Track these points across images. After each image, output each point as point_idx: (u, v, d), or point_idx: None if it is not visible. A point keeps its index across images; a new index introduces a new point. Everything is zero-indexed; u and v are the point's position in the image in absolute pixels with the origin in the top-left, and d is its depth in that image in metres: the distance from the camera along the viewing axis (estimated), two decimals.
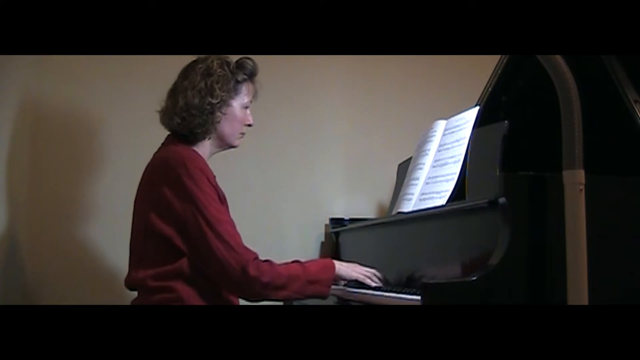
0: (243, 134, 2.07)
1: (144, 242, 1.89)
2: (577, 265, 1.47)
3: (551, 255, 1.57)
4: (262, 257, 1.90)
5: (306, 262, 1.98)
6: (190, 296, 1.85)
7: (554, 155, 1.58)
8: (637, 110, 1.85)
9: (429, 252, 1.93)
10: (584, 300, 1.46)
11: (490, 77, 2.32)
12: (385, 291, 1.93)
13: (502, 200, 1.60)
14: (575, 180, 1.50)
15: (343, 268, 2.02)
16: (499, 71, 2.28)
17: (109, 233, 2.55)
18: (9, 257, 2.25)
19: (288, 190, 2.83)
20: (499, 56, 2.28)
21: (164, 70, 2.62)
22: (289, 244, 2.77)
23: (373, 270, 2.09)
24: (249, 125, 2.07)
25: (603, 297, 1.51)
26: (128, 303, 1.98)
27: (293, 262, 1.96)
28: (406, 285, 1.98)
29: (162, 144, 2.02)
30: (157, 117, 2.51)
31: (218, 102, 1.95)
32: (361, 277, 2.04)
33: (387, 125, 2.95)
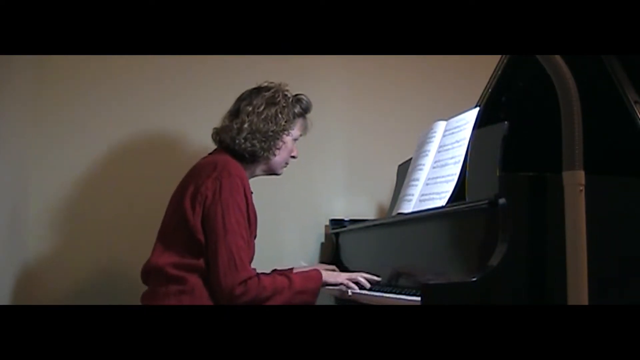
0: (287, 164, 2.19)
1: (174, 230, 1.96)
2: (577, 265, 1.47)
3: (551, 256, 1.57)
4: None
5: (292, 274, 2.03)
6: (202, 291, 1.90)
7: (554, 156, 1.58)
8: (637, 111, 1.85)
9: (429, 253, 1.93)
10: (584, 300, 1.46)
11: (490, 78, 2.32)
12: (386, 292, 1.93)
13: (502, 200, 1.60)
14: (575, 181, 1.50)
15: (329, 275, 2.09)
16: (499, 72, 2.28)
17: (110, 232, 2.55)
18: (11, 256, 2.25)
19: (288, 191, 2.82)
20: (499, 56, 2.28)
21: (164, 70, 2.65)
22: (289, 245, 2.77)
23: (361, 274, 2.11)
24: (294, 157, 2.19)
25: (603, 297, 1.51)
26: (129, 303, 1.98)
27: (280, 273, 2.02)
28: (406, 285, 1.97)
29: (211, 154, 2.11)
30: (156, 116, 2.52)
31: (280, 130, 2.08)
32: (346, 282, 2.08)
33: (387, 126, 2.95)
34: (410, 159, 2.38)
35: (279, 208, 2.80)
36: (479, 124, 2.01)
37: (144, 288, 2.01)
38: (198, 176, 1.98)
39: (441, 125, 2.22)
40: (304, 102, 2.18)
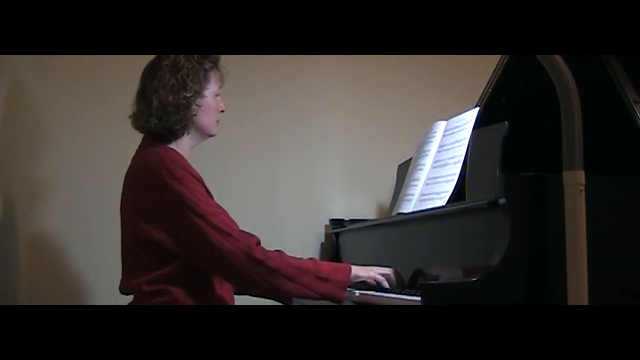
0: (218, 121, 2.04)
1: (135, 249, 1.88)
2: (577, 265, 1.47)
3: (551, 256, 1.57)
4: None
5: (320, 261, 1.96)
6: (184, 298, 1.83)
7: (554, 156, 1.58)
8: (637, 111, 1.85)
9: (429, 253, 1.93)
10: (584, 300, 1.46)
11: (490, 78, 2.32)
12: (386, 291, 1.93)
13: (502, 200, 1.60)
14: (575, 180, 1.50)
15: (360, 269, 1.97)
16: (499, 72, 2.28)
17: (108, 231, 2.54)
18: (5, 253, 2.25)
19: (288, 191, 2.83)
20: (499, 56, 2.28)
21: None
22: (288, 245, 2.72)
23: (390, 271, 2.02)
24: (222, 111, 2.04)
25: (603, 297, 1.51)
26: (126, 303, 1.98)
27: (308, 259, 1.93)
28: (406, 285, 1.97)
29: (140, 147, 1.99)
30: None
31: (192, 95, 1.93)
32: (379, 278, 1.98)
33: (387, 126, 2.95)
34: (410, 159, 2.38)
35: (279, 208, 2.80)
36: (479, 124, 2.01)
37: None
38: (138, 188, 1.88)
39: (441, 125, 2.22)
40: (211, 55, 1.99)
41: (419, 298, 1.57)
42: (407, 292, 1.80)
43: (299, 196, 2.84)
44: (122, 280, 1.93)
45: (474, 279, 1.54)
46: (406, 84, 3.00)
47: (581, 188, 1.50)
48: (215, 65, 2.01)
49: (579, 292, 1.47)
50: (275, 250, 1.86)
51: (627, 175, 1.69)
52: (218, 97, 2.03)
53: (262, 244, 1.87)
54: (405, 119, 2.94)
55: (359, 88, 2.96)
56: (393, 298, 1.81)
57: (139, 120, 1.95)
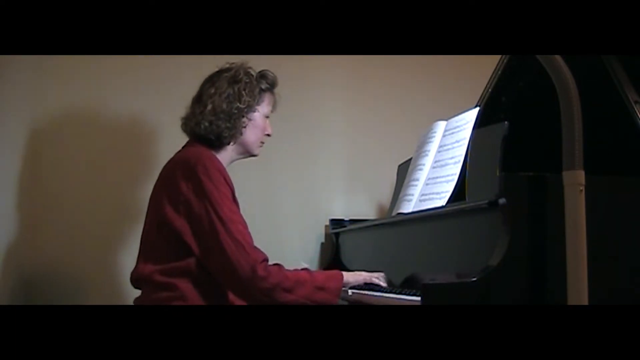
0: (263, 143, 2.14)
1: (156, 235, 1.92)
2: (577, 265, 1.47)
3: (551, 256, 1.57)
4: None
5: (313, 271, 2.02)
6: (193, 296, 1.86)
7: (554, 156, 1.58)
8: (637, 111, 1.85)
9: (429, 253, 1.93)
10: (584, 300, 1.46)
11: (490, 78, 2.32)
12: (385, 292, 1.93)
13: (502, 200, 1.61)
14: (575, 180, 1.50)
15: (350, 275, 2.06)
16: (499, 72, 2.28)
17: (110, 232, 2.55)
18: (9, 256, 2.25)
19: (288, 191, 2.83)
20: (499, 56, 2.28)
21: (163, 70, 2.64)
22: (289, 245, 2.77)
23: (378, 275, 2.10)
24: (268, 135, 2.13)
25: (603, 297, 1.51)
26: (129, 302, 1.98)
27: (302, 269, 1.99)
28: (406, 286, 1.98)
29: (183, 147, 2.06)
30: (156, 116, 2.51)
31: (245, 107, 2.03)
32: (368, 280, 2.07)
33: (387, 125, 2.95)
34: (410, 159, 2.38)
35: (279, 208, 2.80)
36: (479, 124, 2.01)
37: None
38: (173, 177, 1.92)
39: (441, 125, 2.22)
40: (269, 76, 2.11)
41: (419, 298, 1.57)
42: (407, 292, 1.80)
43: (299, 196, 2.84)
44: (135, 267, 1.96)
45: (474, 279, 1.54)
46: (406, 84, 3.00)
47: (581, 188, 1.50)
48: (271, 88, 2.12)
49: (579, 292, 1.47)
50: (275, 264, 1.90)
51: (627, 175, 1.69)
52: (267, 120, 2.12)
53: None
54: (405, 119, 2.94)
55: (358, 88, 2.96)
56: (393, 298, 1.81)
57: (190, 122, 2.04)
